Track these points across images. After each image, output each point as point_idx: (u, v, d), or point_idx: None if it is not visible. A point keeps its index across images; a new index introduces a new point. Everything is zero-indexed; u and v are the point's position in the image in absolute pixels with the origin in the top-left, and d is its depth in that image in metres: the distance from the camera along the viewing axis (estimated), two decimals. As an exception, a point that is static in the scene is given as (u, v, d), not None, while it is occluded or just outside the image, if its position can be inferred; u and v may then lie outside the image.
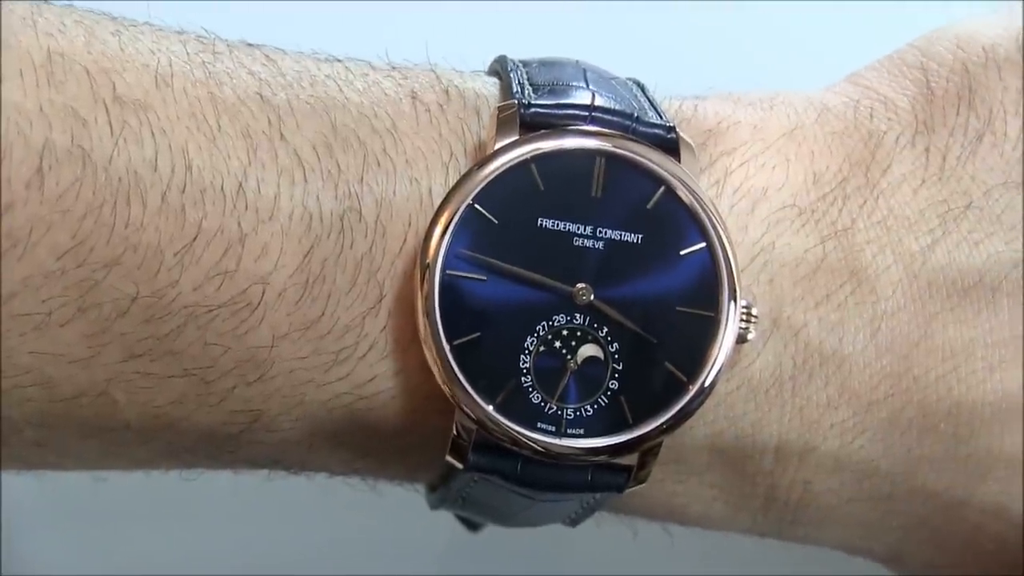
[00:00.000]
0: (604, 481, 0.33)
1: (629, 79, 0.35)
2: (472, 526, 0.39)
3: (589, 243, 0.32)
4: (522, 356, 0.31)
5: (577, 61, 0.35)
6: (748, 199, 0.34)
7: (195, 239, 0.29)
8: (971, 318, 0.34)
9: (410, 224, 0.31)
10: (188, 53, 0.31)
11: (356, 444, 0.33)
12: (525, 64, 0.34)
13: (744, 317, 0.32)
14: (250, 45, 0.33)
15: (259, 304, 0.30)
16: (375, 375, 0.31)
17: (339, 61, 0.33)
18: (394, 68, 0.34)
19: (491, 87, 0.34)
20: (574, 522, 0.36)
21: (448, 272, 0.31)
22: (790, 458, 0.35)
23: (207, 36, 0.33)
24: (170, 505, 0.51)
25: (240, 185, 0.30)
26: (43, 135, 0.28)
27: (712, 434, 0.34)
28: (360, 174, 0.31)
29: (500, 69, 0.35)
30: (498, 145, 0.32)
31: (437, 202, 0.32)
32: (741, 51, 0.46)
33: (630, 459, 0.33)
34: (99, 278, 0.29)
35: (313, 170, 0.31)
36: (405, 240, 0.31)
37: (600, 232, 0.32)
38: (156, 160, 0.29)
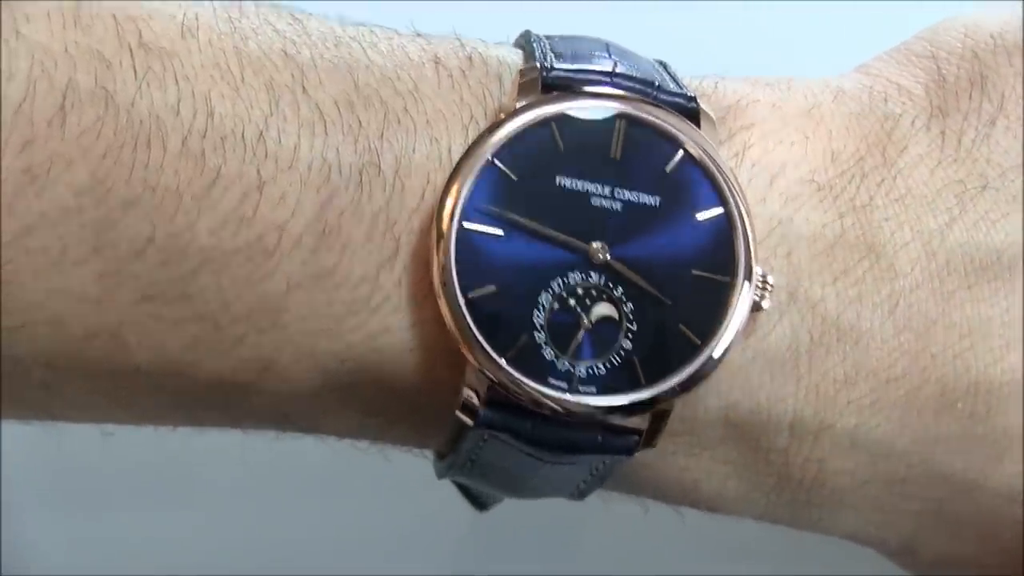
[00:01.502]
0: (614, 444, 0.32)
1: (653, 59, 0.36)
2: (479, 504, 0.39)
3: (607, 203, 0.32)
4: (536, 312, 0.31)
5: (599, 37, 0.35)
6: (767, 173, 0.34)
7: (213, 184, 0.30)
8: (988, 296, 0.34)
9: (428, 181, 0.32)
10: (215, 8, 0.32)
11: (367, 398, 0.32)
12: (548, 37, 0.35)
13: (760, 285, 0.32)
14: (276, 5, 0.33)
15: (274, 251, 0.30)
16: (388, 327, 0.31)
17: (364, 26, 0.34)
18: (419, 35, 0.34)
19: (514, 56, 0.34)
20: (582, 493, 0.35)
21: (465, 225, 0.31)
22: (805, 435, 0.34)
23: None
24: (170, 503, 0.51)
25: (261, 134, 0.30)
26: (67, 75, 0.29)
27: (726, 406, 0.34)
28: (381, 130, 0.31)
29: (524, 41, 0.35)
30: (519, 105, 0.32)
31: (456, 160, 0.32)
32: (741, 52, 0.46)
33: (641, 422, 0.32)
34: (116, 218, 0.29)
35: (334, 124, 0.31)
36: (423, 196, 0.31)
37: (618, 193, 0.32)
38: (178, 105, 0.30)
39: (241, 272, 0.30)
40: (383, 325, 0.31)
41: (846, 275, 0.34)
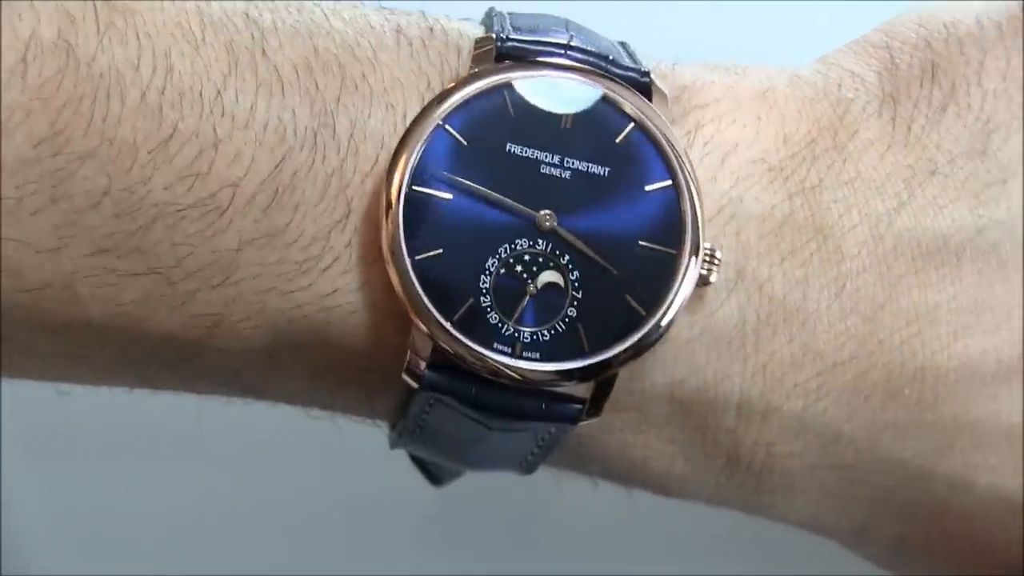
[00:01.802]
0: (558, 411, 0.33)
1: (616, 40, 0.36)
2: (434, 479, 0.39)
3: (556, 172, 0.32)
4: (482, 276, 0.32)
5: (560, 16, 0.36)
6: (718, 152, 0.34)
7: (170, 139, 0.30)
8: (935, 282, 0.35)
9: (383, 146, 0.32)
10: None
11: (316, 358, 0.33)
12: (511, 13, 0.35)
13: (707, 259, 0.33)
14: None
15: (227, 208, 0.31)
16: (337, 288, 0.32)
17: None
18: (383, 6, 0.35)
19: (476, 29, 0.35)
20: (530, 466, 0.36)
21: (414, 188, 0.32)
22: (752, 416, 0.35)
23: None
24: (167, 502, 0.51)
25: (219, 92, 0.31)
26: (30, 27, 0.29)
27: (672, 382, 0.34)
28: (337, 95, 0.32)
29: (486, 17, 0.35)
30: (472, 71, 0.33)
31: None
32: (732, 51, 0.47)
33: (585, 391, 0.33)
34: (73, 169, 0.29)
35: (291, 86, 0.31)
36: (377, 160, 0.32)
37: (568, 162, 0.33)
38: (138, 61, 0.30)
39: (194, 228, 0.31)
40: (332, 286, 0.32)
41: (793, 255, 0.34)
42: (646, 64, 0.35)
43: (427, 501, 0.40)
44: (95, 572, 0.51)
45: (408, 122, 0.32)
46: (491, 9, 0.36)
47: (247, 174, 0.31)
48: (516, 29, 0.34)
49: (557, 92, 0.33)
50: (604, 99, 0.33)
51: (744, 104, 0.35)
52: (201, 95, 0.30)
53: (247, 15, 0.32)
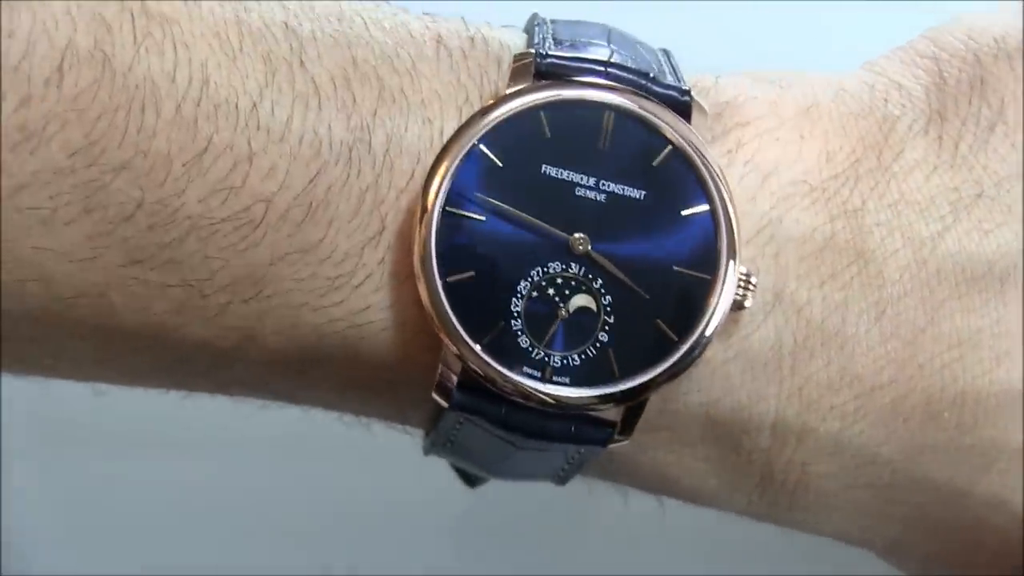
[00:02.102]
0: (587, 434, 0.33)
1: (657, 48, 0.36)
2: (469, 481, 0.39)
3: (591, 194, 0.32)
4: (514, 299, 0.31)
5: (605, 24, 0.35)
6: (759, 172, 0.34)
7: (204, 152, 0.30)
8: (979, 307, 0.34)
9: (418, 161, 0.32)
10: None
11: (346, 372, 0.33)
12: (553, 21, 0.35)
13: (743, 283, 0.32)
14: None
15: (261, 222, 0.31)
16: (369, 305, 0.32)
17: (372, 0, 0.34)
18: (426, 14, 0.34)
19: (518, 39, 0.34)
20: (562, 479, 0.35)
21: (448, 208, 0.31)
22: (788, 437, 0.34)
23: None
24: (167, 501, 0.51)
25: (255, 105, 0.30)
26: (67, 36, 0.29)
27: (707, 402, 0.34)
28: (374, 108, 0.32)
29: (529, 25, 0.35)
30: (510, 90, 0.32)
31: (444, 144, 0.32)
32: (746, 51, 0.46)
33: (615, 414, 0.33)
34: (107, 180, 0.29)
35: (328, 99, 0.31)
36: (412, 176, 0.32)
37: (603, 184, 0.32)
38: (175, 72, 0.30)
39: (227, 241, 0.30)
40: (365, 303, 0.32)
41: (833, 279, 0.34)
42: (688, 78, 0.34)
43: (460, 500, 0.40)
44: (95, 572, 0.52)
45: (444, 137, 0.32)
46: (535, 16, 0.35)
47: (281, 188, 0.31)
48: (558, 43, 0.33)
49: (594, 113, 0.32)
50: (642, 121, 0.33)
51: (787, 122, 0.34)
52: (237, 107, 0.30)
53: (286, 25, 0.32)
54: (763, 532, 0.38)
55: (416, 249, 0.31)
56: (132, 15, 0.30)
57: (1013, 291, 0.34)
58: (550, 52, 0.33)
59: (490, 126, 0.32)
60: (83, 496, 0.51)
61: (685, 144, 0.32)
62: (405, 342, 0.32)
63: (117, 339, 0.32)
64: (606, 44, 0.34)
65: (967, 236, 0.34)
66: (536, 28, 0.34)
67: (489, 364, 0.31)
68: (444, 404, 0.32)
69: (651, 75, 0.33)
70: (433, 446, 0.35)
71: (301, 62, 0.31)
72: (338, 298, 0.31)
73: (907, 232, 0.34)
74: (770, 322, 0.33)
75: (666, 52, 0.35)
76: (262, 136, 0.30)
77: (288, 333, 0.32)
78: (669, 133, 0.32)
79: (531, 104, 0.32)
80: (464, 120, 0.32)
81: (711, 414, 0.34)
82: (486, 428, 0.32)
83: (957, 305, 0.34)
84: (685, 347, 0.32)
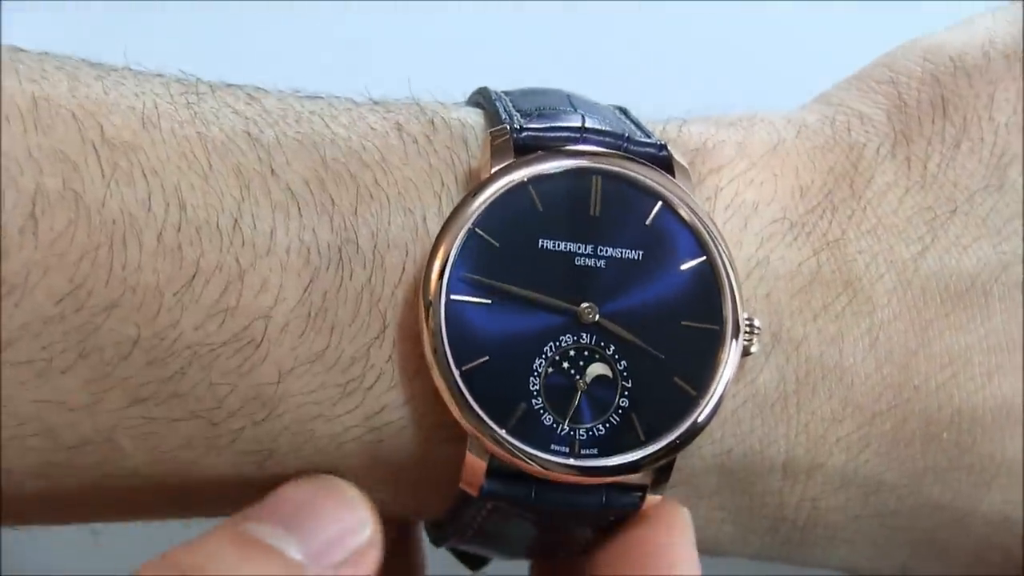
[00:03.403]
0: (620, 501, 0.32)
1: (612, 106, 0.35)
2: (473, 564, 0.38)
3: (591, 262, 0.32)
4: (531, 378, 0.31)
5: (559, 89, 0.35)
6: (740, 215, 0.34)
7: (194, 278, 0.29)
8: (966, 324, 0.35)
9: (407, 253, 0.31)
10: (172, 95, 0.31)
11: (366, 476, 0.32)
12: (507, 93, 0.35)
13: (747, 330, 0.32)
14: (230, 85, 0.33)
15: (262, 340, 0.30)
16: (384, 406, 0.31)
17: (321, 98, 0.33)
18: (376, 103, 0.34)
19: (476, 116, 0.34)
20: (584, 549, 0.35)
21: (452, 297, 0.31)
22: (798, 475, 0.34)
23: (188, 78, 0.32)
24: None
25: (236, 221, 0.30)
26: (34, 180, 0.28)
27: (720, 452, 0.34)
28: (354, 206, 0.31)
29: (483, 99, 0.35)
30: (494, 169, 0.32)
31: (432, 229, 0.31)
32: (732, 56, 0.46)
33: (644, 477, 0.32)
34: (99, 322, 0.28)
35: (307, 204, 0.30)
36: (404, 269, 0.31)
37: (601, 251, 0.32)
38: (149, 200, 0.29)
39: (231, 365, 0.29)
40: (378, 404, 0.31)
41: (825, 311, 0.34)
42: (655, 131, 0.34)
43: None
44: (95, 572, 0.50)
45: (428, 224, 0.31)
46: (486, 90, 0.35)
47: (277, 302, 0.30)
48: (525, 115, 0.33)
49: (582, 180, 0.32)
50: (629, 182, 0.32)
51: (758, 162, 0.35)
52: (218, 227, 0.29)
53: (249, 134, 0.31)
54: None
55: (427, 342, 0.30)
56: (95, 147, 0.29)
57: (997, 304, 0.35)
58: (524, 126, 0.32)
59: (482, 208, 0.31)
60: None
61: (674, 199, 0.32)
62: (424, 438, 0.31)
63: (129, 481, 0.30)
64: (573, 110, 0.34)
65: (947, 253, 0.35)
66: (495, 102, 0.34)
67: (517, 448, 0.31)
68: (473, 495, 0.31)
69: (626, 135, 0.33)
70: (451, 536, 0.34)
71: (272, 170, 0.30)
72: (352, 404, 0.31)
73: (889, 256, 0.34)
74: (772, 363, 0.33)
75: (622, 109, 0.35)
76: (248, 252, 0.30)
77: (306, 448, 0.31)
78: (657, 189, 0.32)
79: (518, 180, 0.32)
80: (447, 206, 0.32)
81: (725, 463, 0.34)
82: (515, 512, 0.32)
83: (945, 324, 0.34)
84: (704, 399, 0.32)
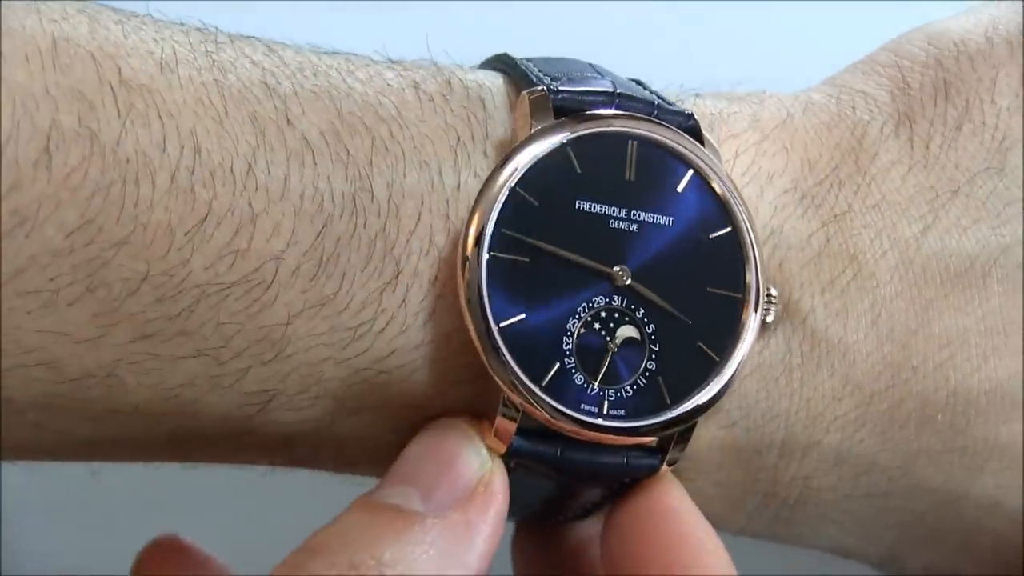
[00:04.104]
0: (640, 464, 0.33)
1: (627, 78, 0.36)
2: None
3: (624, 225, 0.32)
4: (565, 338, 0.31)
5: (577, 58, 0.36)
6: (756, 183, 0.34)
7: (206, 218, 0.29)
8: (964, 305, 0.35)
9: (422, 203, 0.31)
10: (191, 42, 0.31)
11: (375, 422, 0.32)
12: (530, 59, 0.35)
13: (767, 299, 0.33)
14: (249, 37, 0.33)
15: (272, 282, 0.30)
16: (394, 349, 0.31)
17: (340, 53, 0.34)
18: (394, 62, 0.34)
19: (494, 78, 0.34)
20: (587, 513, 0.35)
21: (492, 253, 0.31)
22: (794, 452, 0.35)
23: (208, 28, 0.33)
24: (167, 500, 0.50)
25: (250, 167, 0.30)
26: (50, 116, 0.28)
27: (725, 425, 0.34)
28: (369, 158, 0.31)
29: (505, 65, 0.35)
30: (534, 129, 0.32)
31: (448, 183, 0.32)
32: (733, 51, 0.47)
33: (664, 442, 0.33)
34: (108, 257, 0.28)
35: (322, 154, 0.31)
36: (419, 219, 0.31)
37: (635, 215, 0.32)
38: (164, 142, 0.29)
39: (239, 305, 0.30)
40: (390, 348, 0.31)
41: (832, 285, 0.34)
42: (676, 102, 0.35)
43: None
44: (95, 572, 0.50)
45: (444, 176, 0.32)
46: (505, 56, 0.35)
47: (288, 246, 0.30)
48: (554, 79, 0.33)
49: (618, 144, 0.33)
50: (663, 147, 0.33)
51: (770, 134, 0.35)
52: (232, 171, 0.29)
53: (265, 83, 0.31)
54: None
55: (463, 296, 0.31)
56: (112, 88, 0.29)
57: (995, 286, 0.35)
58: (560, 88, 0.33)
59: (524, 167, 0.32)
60: (83, 496, 0.50)
61: (705, 168, 0.33)
62: (436, 382, 0.32)
63: (131, 418, 0.30)
64: (600, 76, 0.34)
65: (947, 234, 0.35)
66: (521, 67, 0.34)
67: (552, 406, 0.31)
68: (501, 451, 0.32)
69: (655, 102, 0.33)
70: None
71: (288, 120, 0.31)
72: (362, 347, 0.31)
73: (892, 233, 0.35)
74: (780, 334, 0.34)
75: (639, 81, 0.36)
76: (262, 196, 0.30)
77: (314, 390, 0.31)
78: (689, 158, 0.33)
79: (559, 141, 0.32)
80: (463, 161, 0.32)
81: (727, 438, 0.34)
82: (539, 470, 0.32)
83: (944, 304, 0.35)
84: (727, 365, 0.32)
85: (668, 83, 0.37)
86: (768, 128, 0.35)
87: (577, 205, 0.32)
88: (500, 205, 0.31)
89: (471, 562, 0.29)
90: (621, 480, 0.33)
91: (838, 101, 0.36)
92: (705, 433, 0.34)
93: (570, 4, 0.48)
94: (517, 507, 0.35)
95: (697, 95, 0.36)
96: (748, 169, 0.35)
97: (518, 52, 0.36)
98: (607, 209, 0.32)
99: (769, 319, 0.33)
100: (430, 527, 0.29)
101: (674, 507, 0.32)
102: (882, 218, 0.35)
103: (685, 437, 0.33)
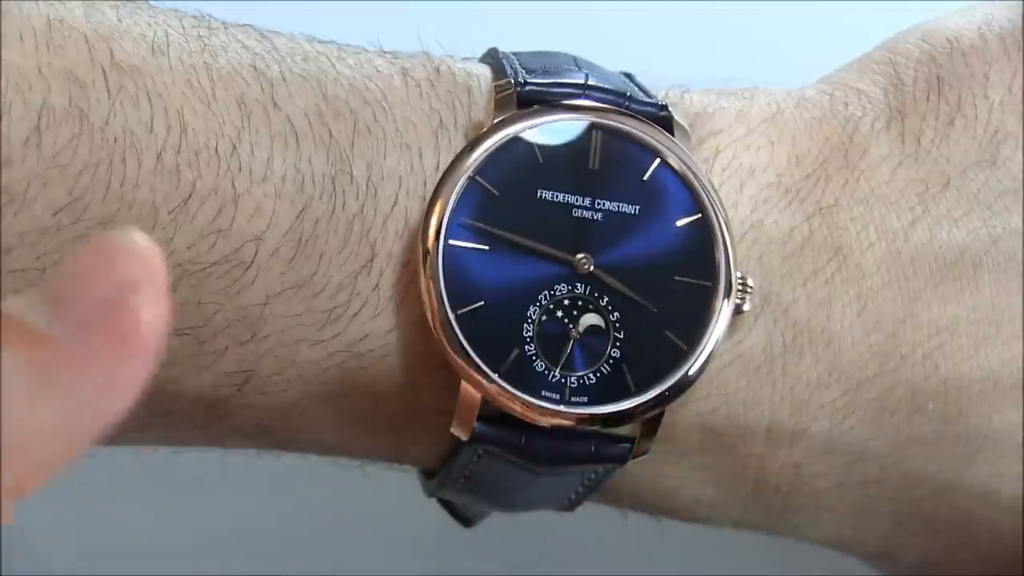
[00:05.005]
0: (608, 452, 0.33)
1: (618, 72, 0.36)
2: (466, 521, 0.39)
3: (588, 214, 0.32)
4: (525, 325, 0.32)
5: (566, 52, 0.36)
6: (736, 178, 0.35)
7: (189, 198, 0.30)
8: (954, 295, 0.35)
9: (400, 185, 0.32)
10: (184, 27, 0.32)
11: (348, 408, 0.33)
12: (516, 54, 0.35)
13: (740, 287, 0.33)
14: (244, 24, 0.34)
15: (252, 263, 0.30)
16: (367, 333, 0.32)
17: (332, 42, 0.34)
18: (386, 51, 0.35)
19: (482, 68, 0.35)
20: (573, 504, 0.35)
21: (450, 242, 0.31)
22: (781, 440, 0.35)
23: (202, 15, 0.33)
24: (164, 486, 0.51)
25: (234, 147, 0.30)
26: (41, 96, 0.29)
27: (704, 412, 0.34)
28: (351, 140, 0.32)
29: (491, 58, 0.35)
30: (496, 120, 0.32)
31: (428, 165, 0.32)
32: (730, 52, 0.47)
33: (632, 430, 0.33)
34: (94, 235, 0.29)
35: (305, 135, 0.31)
36: (396, 201, 0.32)
37: (598, 203, 0.33)
38: (152, 122, 0.30)
39: (220, 285, 0.30)
40: (362, 332, 0.31)
41: (815, 276, 0.34)
42: (658, 95, 0.35)
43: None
44: (96, 572, 0.51)
45: (424, 160, 0.32)
46: (493, 50, 0.35)
47: (269, 227, 0.30)
48: (530, 72, 0.34)
49: (581, 134, 0.33)
50: (628, 137, 0.33)
51: (755, 129, 0.35)
52: (217, 151, 0.30)
53: (255, 67, 0.32)
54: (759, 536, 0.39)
55: (423, 284, 0.31)
56: (104, 70, 0.30)
57: (986, 276, 0.35)
58: (528, 80, 0.33)
59: (483, 157, 0.32)
60: (83, 496, 0.50)
61: (671, 156, 0.33)
62: (408, 366, 0.32)
63: None
64: (577, 68, 0.34)
65: (937, 225, 0.35)
66: (502, 60, 0.34)
67: (510, 392, 0.31)
68: (464, 438, 0.32)
69: (628, 93, 0.34)
70: (442, 486, 0.35)
71: (274, 103, 0.31)
72: (336, 330, 0.31)
73: (880, 225, 0.35)
74: (760, 325, 0.34)
75: (629, 75, 0.36)
76: (245, 177, 0.30)
77: (288, 373, 0.31)
78: (655, 146, 0.33)
79: (520, 131, 0.32)
80: (444, 145, 0.32)
81: (708, 423, 0.34)
82: (506, 457, 0.32)
83: (934, 294, 0.35)
84: (695, 354, 0.32)
85: (671, 80, 0.37)
86: (755, 122, 0.35)
87: (539, 194, 0.32)
88: (458, 194, 0.32)
89: (71, 404, 0.21)
90: (591, 468, 0.33)
91: (831, 97, 0.37)
92: (682, 419, 0.34)
93: (578, 3, 0.48)
94: (493, 499, 0.35)
95: (685, 90, 0.36)
96: (729, 164, 0.35)
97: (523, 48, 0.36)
98: (570, 198, 0.32)
99: (745, 308, 0.33)
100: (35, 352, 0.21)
101: None
102: (870, 211, 0.35)
103: (653, 427, 0.33)
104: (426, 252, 0.31)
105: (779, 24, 0.55)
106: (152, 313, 0.21)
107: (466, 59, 0.36)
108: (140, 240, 0.22)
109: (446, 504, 0.38)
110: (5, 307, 0.21)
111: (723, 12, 0.54)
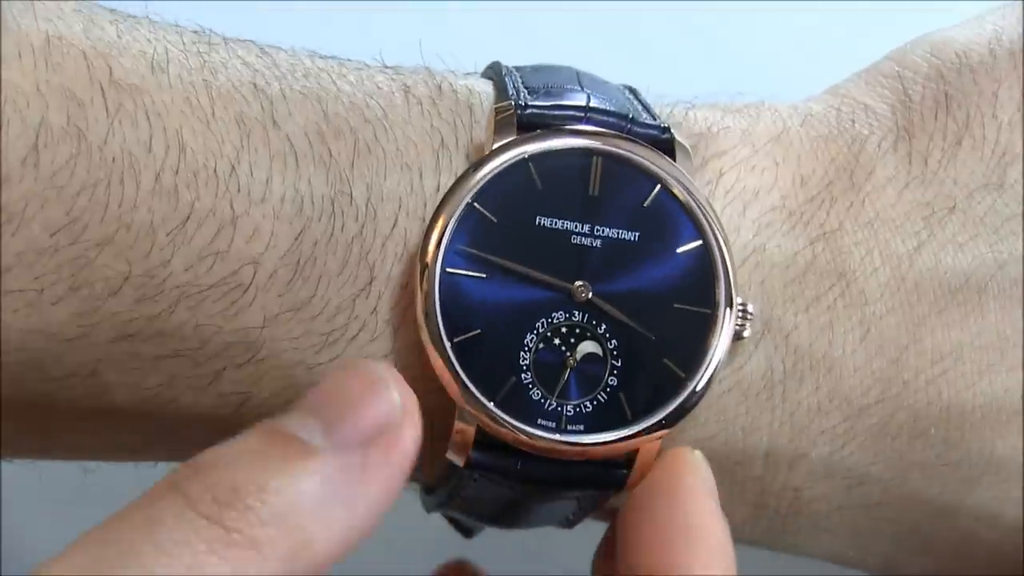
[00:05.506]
0: (604, 478, 0.33)
1: (622, 85, 0.36)
2: (466, 532, 0.39)
3: (587, 241, 0.32)
4: (522, 353, 0.32)
5: (570, 67, 0.36)
6: (739, 201, 0.34)
7: (187, 219, 0.29)
8: (959, 321, 0.35)
9: (400, 206, 0.32)
10: (184, 43, 0.32)
11: None
12: (518, 69, 0.35)
13: (740, 314, 0.33)
14: (245, 40, 0.33)
15: (250, 285, 0.30)
16: (366, 356, 0.31)
17: (333, 57, 0.34)
18: (388, 67, 0.34)
19: (484, 85, 0.34)
20: (571, 523, 0.35)
21: (448, 270, 0.31)
22: (780, 465, 0.35)
23: (203, 30, 0.33)
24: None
25: (233, 168, 0.30)
26: (39, 114, 0.28)
27: (702, 438, 0.34)
28: (351, 160, 0.31)
29: (494, 74, 0.35)
30: (496, 144, 0.32)
31: (428, 186, 0.32)
32: (735, 56, 0.46)
33: (630, 455, 0.33)
34: (92, 256, 0.29)
35: (305, 156, 0.31)
36: (396, 222, 0.32)
37: (598, 230, 0.32)
38: (150, 142, 0.29)
39: (217, 307, 0.30)
40: (360, 355, 0.31)
41: (817, 302, 0.34)
42: (662, 113, 0.35)
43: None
44: None
45: (424, 182, 0.32)
46: (498, 64, 0.35)
47: (267, 249, 0.30)
48: (532, 92, 0.33)
49: (582, 160, 0.32)
50: (629, 163, 0.33)
51: (760, 149, 0.35)
52: (216, 172, 0.30)
53: (255, 85, 0.31)
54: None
55: (420, 314, 0.31)
56: (102, 88, 0.29)
57: (992, 302, 0.35)
58: (529, 103, 0.33)
59: (481, 183, 0.32)
60: (83, 496, 0.50)
61: (673, 182, 0.33)
62: None
63: (112, 418, 0.31)
64: (580, 88, 0.34)
65: (943, 250, 0.35)
66: (505, 77, 0.34)
67: (504, 420, 0.31)
68: (459, 464, 0.32)
69: (630, 116, 0.33)
70: (440, 504, 0.34)
71: (274, 121, 0.31)
72: (334, 353, 0.31)
73: (884, 250, 0.34)
74: (760, 351, 0.34)
75: (632, 90, 0.35)
76: (243, 199, 0.30)
77: (285, 395, 0.31)
78: (656, 172, 0.33)
79: (519, 157, 0.32)
80: (444, 166, 0.32)
81: (706, 449, 0.34)
82: (502, 483, 0.32)
83: (938, 320, 0.34)
84: (693, 382, 0.32)
85: (678, 90, 0.37)
86: (760, 142, 0.35)
87: (537, 221, 0.32)
88: (456, 221, 0.31)
89: (358, 507, 0.27)
90: (589, 493, 0.33)
91: (838, 113, 0.36)
92: (680, 444, 0.34)
93: (588, 9, 0.48)
94: (491, 518, 0.35)
95: (690, 107, 0.36)
96: (733, 186, 0.34)
97: (536, 59, 0.36)
98: (568, 225, 0.32)
99: (745, 334, 0.33)
100: (322, 462, 0.26)
101: (686, 488, 0.32)
102: (875, 235, 0.34)
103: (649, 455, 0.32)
104: (423, 277, 0.31)
105: (786, 27, 0.54)
106: (412, 436, 0.27)
107: (468, 74, 0.35)
108: (397, 372, 0.28)
109: (447, 516, 0.38)
110: (281, 423, 0.27)
111: (735, 13, 0.54)
